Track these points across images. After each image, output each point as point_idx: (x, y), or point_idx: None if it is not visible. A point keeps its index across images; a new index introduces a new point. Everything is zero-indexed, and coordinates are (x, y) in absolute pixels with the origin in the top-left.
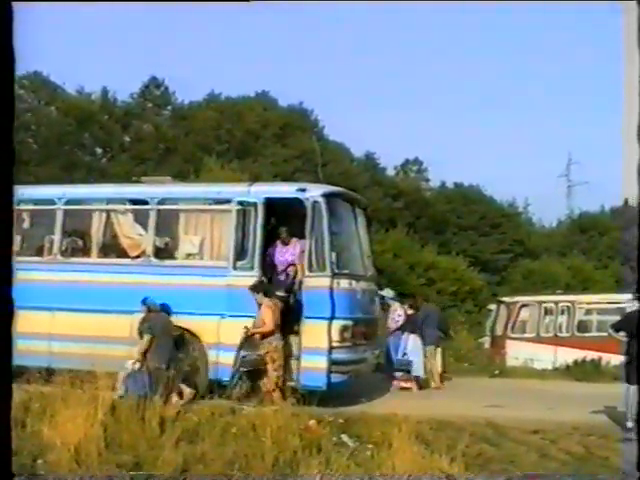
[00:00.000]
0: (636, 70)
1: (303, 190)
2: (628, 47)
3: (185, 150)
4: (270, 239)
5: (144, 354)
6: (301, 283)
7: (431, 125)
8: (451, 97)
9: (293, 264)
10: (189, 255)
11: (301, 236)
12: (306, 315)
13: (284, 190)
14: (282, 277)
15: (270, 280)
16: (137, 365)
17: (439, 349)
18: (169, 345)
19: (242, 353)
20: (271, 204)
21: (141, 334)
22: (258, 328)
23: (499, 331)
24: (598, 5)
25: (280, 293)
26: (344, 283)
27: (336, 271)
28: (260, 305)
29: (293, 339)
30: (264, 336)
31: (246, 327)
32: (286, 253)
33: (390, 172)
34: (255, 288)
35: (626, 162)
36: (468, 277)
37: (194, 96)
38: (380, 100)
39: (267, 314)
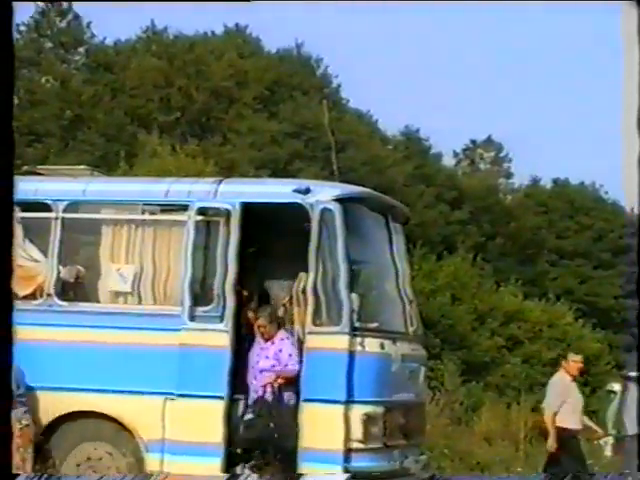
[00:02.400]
0: (636, 69)
1: (305, 191)
2: (627, 47)
3: (111, 121)
4: (252, 270)
5: None
6: (300, 342)
7: (513, 87)
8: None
9: (273, 372)
10: (117, 295)
11: (301, 266)
12: (307, 397)
13: (274, 191)
14: (257, 390)
15: (242, 337)
16: None
17: None
18: None
19: None
20: (253, 213)
21: None
22: None
23: (630, 427)
24: None
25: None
26: (372, 344)
27: (358, 324)
28: None
29: (283, 433)
30: None
31: None
32: (264, 353)
33: (447, 161)
34: None
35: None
36: (576, 336)
37: (124, 31)
38: (429, 49)
39: None
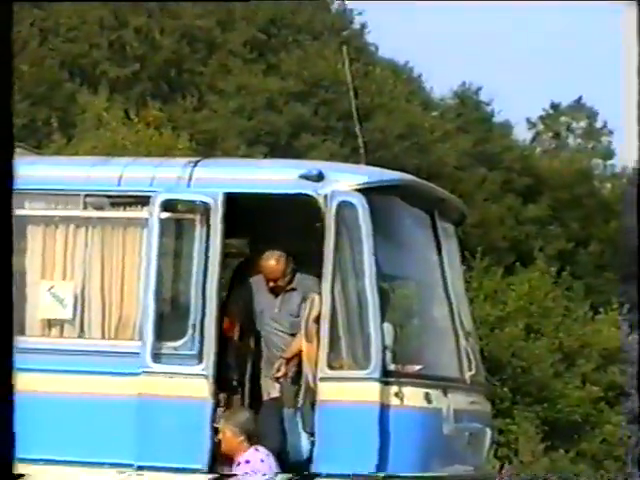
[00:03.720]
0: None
1: (317, 177)
2: (627, 47)
3: (40, 76)
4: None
5: None
6: (310, 392)
7: (610, 29)
8: None
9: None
10: (50, 325)
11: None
12: (321, 470)
13: (273, 177)
14: None
15: (234, 388)
16: None
17: None
18: None
19: None
20: (242, 209)
21: None
22: None
23: None
24: None
25: None
26: (413, 396)
27: (393, 367)
28: None
29: None
30: None
31: None
32: None
33: (519, 133)
34: None
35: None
36: None
37: None
38: None
39: None
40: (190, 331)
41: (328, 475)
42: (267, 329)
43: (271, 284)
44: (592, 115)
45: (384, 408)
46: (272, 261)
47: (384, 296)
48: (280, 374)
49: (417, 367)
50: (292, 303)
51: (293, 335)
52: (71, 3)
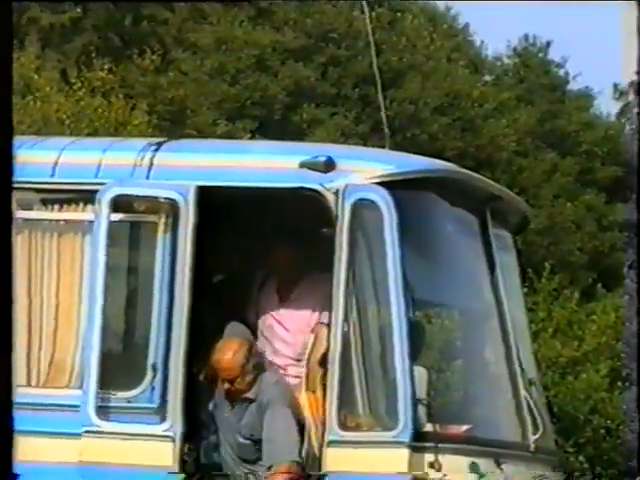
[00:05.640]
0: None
1: (325, 166)
2: (627, 46)
3: None
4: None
5: None
6: (312, 461)
7: None
8: None
9: None
10: None
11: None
12: None
13: (264, 165)
14: None
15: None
16: None
17: None
18: None
19: None
20: (220, 208)
21: None
22: None
23: None
24: None
25: None
26: (455, 467)
27: (427, 427)
28: None
29: None
30: None
31: None
32: None
33: (603, 106)
34: None
35: None
36: None
37: None
38: None
39: None
40: (149, 376)
41: None
42: (221, 438)
43: (225, 385)
44: None
45: None
46: (228, 354)
47: (416, 329)
48: None
49: (461, 428)
50: (247, 419)
51: (248, 462)
52: None
